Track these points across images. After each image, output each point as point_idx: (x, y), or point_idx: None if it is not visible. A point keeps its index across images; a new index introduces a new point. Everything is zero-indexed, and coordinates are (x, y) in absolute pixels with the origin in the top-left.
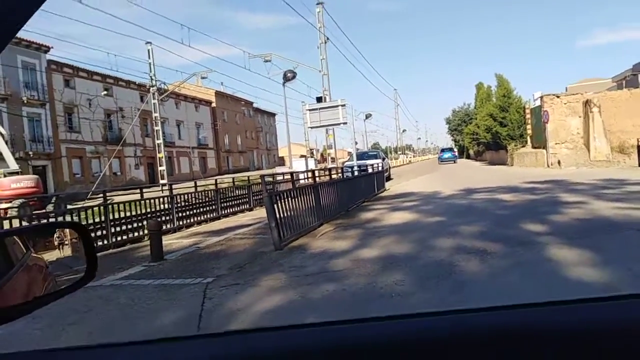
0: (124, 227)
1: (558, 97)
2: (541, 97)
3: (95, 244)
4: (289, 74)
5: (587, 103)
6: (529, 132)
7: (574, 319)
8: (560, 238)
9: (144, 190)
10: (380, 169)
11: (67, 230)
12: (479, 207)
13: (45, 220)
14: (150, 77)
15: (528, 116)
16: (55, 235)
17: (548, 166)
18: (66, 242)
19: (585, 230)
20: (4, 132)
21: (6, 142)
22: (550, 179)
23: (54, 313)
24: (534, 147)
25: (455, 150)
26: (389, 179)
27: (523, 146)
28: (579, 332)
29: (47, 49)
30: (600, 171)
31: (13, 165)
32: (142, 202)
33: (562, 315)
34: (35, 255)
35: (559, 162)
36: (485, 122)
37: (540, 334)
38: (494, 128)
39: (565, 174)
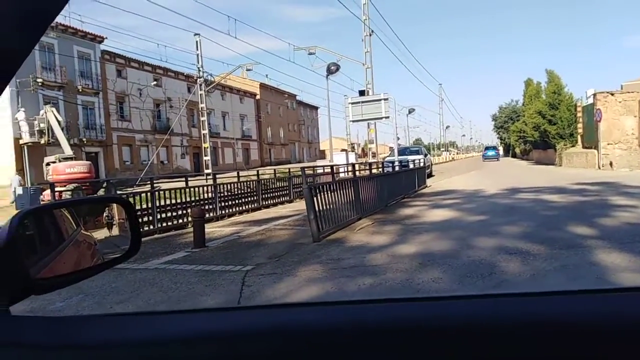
0: (169, 214)
1: (612, 94)
2: (594, 95)
3: (140, 221)
4: (332, 67)
5: None
6: (580, 131)
7: (573, 310)
8: (609, 242)
9: (189, 179)
10: (421, 165)
11: (115, 210)
12: (524, 207)
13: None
14: (198, 68)
15: (579, 114)
16: (104, 215)
17: (599, 167)
18: (114, 222)
19: (636, 234)
20: (60, 118)
21: (62, 129)
22: (601, 180)
23: (103, 292)
24: (584, 147)
25: (500, 148)
26: (430, 175)
27: (573, 146)
28: (577, 323)
29: (101, 40)
30: None
31: (68, 151)
32: (187, 190)
33: (560, 305)
34: (84, 232)
35: (610, 164)
36: (533, 119)
37: (542, 323)
38: (542, 126)
39: (617, 176)
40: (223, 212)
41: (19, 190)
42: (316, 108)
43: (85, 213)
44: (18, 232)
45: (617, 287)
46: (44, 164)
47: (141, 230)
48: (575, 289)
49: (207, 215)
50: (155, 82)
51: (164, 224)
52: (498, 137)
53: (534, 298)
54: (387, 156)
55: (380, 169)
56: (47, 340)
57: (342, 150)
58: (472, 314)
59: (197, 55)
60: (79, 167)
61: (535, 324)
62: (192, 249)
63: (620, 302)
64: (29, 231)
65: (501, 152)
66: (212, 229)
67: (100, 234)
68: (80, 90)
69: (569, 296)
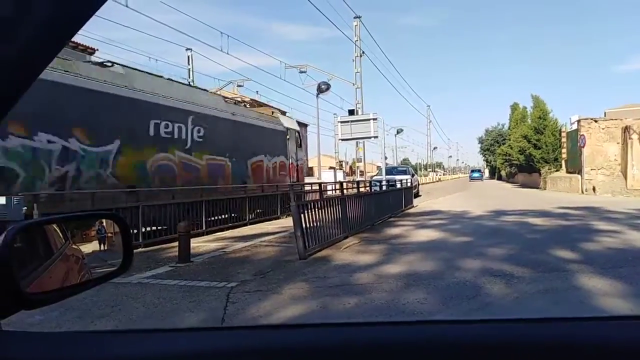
0: (154, 228)
1: (596, 121)
2: (578, 121)
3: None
4: (323, 86)
5: (626, 129)
6: (564, 156)
7: (572, 336)
8: (592, 267)
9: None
10: (408, 184)
11: (105, 225)
12: (508, 230)
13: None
14: (189, 82)
15: (564, 140)
16: (96, 229)
17: (582, 192)
18: (106, 237)
19: (618, 260)
20: None
21: None
22: (584, 205)
23: (84, 306)
24: (568, 172)
25: (483, 171)
26: (417, 195)
27: (557, 170)
28: (575, 348)
29: (92, 51)
30: (638, 200)
31: None
32: (180, 204)
33: (557, 330)
34: (73, 246)
35: (594, 189)
36: (519, 143)
37: (539, 348)
38: (527, 150)
39: (600, 201)
40: (208, 227)
41: (2, 200)
42: (305, 125)
43: (74, 226)
44: (11, 247)
45: (609, 316)
46: None
47: (132, 243)
48: (559, 315)
49: (192, 230)
50: None
51: (149, 238)
52: (484, 159)
53: (521, 324)
54: (375, 175)
55: (368, 188)
56: (39, 357)
57: (331, 167)
58: (460, 338)
59: (189, 69)
60: None
61: (522, 350)
62: (177, 264)
63: (608, 330)
64: (18, 244)
65: (487, 174)
66: (198, 244)
67: (88, 247)
68: None
69: (554, 323)
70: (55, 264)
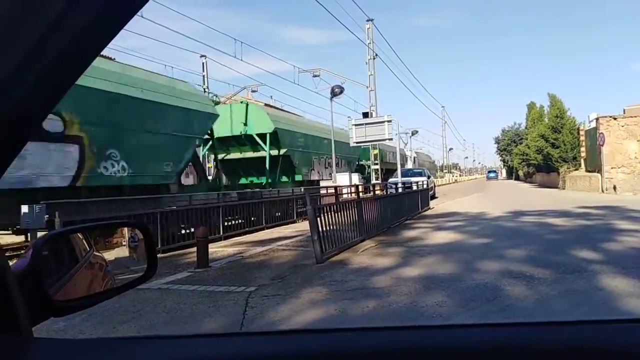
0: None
1: (615, 119)
2: (597, 119)
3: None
4: (336, 89)
5: None
6: (583, 154)
7: (579, 339)
8: (614, 267)
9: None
10: (424, 186)
11: (125, 232)
12: (528, 231)
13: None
14: (204, 89)
15: (582, 138)
16: (128, 237)
17: (602, 191)
18: (124, 243)
19: None
20: None
21: None
22: (604, 204)
23: (106, 312)
24: (587, 171)
25: (499, 171)
26: (433, 197)
27: (576, 169)
28: (585, 353)
29: (110, 60)
30: None
31: None
32: (193, 209)
33: (577, 334)
34: (97, 253)
35: (614, 188)
36: (536, 142)
37: (554, 352)
38: (545, 149)
39: (621, 200)
40: (226, 232)
41: (24, 209)
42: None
43: (97, 234)
44: (41, 255)
45: (625, 318)
46: None
47: (156, 250)
48: (582, 318)
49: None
50: None
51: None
52: (501, 160)
53: (542, 327)
54: (391, 177)
55: (384, 191)
56: None
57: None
58: (479, 342)
59: (203, 76)
60: None
61: (544, 354)
62: (195, 269)
63: (628, 333)
64: (45, 253)
65: (503, 174)
66: (215, 249)
67: (111, 254)
68: None
69: (576, 326)
70: (81, 271)
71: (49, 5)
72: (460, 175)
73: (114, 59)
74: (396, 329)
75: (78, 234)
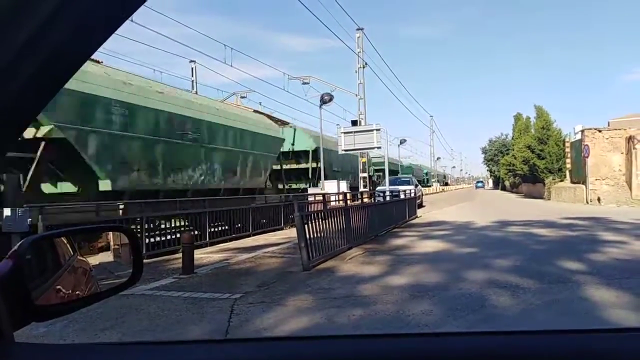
0: (158, 239)
1: (600, 131)
2: (582, 131)
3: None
4: (326, 97)
5: (630, 139)
6: (568, 166)
7: (577, 348)
8: (598, 278)
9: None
10: (412, 195)
11: (110, 237)
12: (514, 241)
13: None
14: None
15: (568, 150)
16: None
17: (587, 202)
18: (114, 247)
19: (624, 270)
20: None
21: None
22: (589, 215)
23: (88, 318)
24: (572, 182)
25: (486, 181)
26: (421, 206)
27: (561, 180)
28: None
29: (98, 63)
30: None
31: None
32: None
33: (562, 343)
34: (80, 258)
35: (598, 199)
36: (522, 153)
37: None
38: (531, 160)
39: (605, 211)
40: (212, 238)
41: (7, 212)
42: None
43: (81, 239)
44: (24, 259)
45: (615, 328)
46: None
47: (142, 255)
48: (565, 328)
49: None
50: None
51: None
52: (488, 170)
53: (526, 336)
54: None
55: (372, 199)
56: None
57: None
58: (465, 350)
59: (193, 81)
60: None
61: None
62: (181, 275)
63: (614, 342)
64: (28, 257)
65: (490, 184)
66: (201, 255)
67: (95, 259)
68: None
69: (561, 335)
70: (64, 276)
71: (44, 2)
72: (446, 185)
73: (102, 62)
74: (383, 336)
75: (62, 238)
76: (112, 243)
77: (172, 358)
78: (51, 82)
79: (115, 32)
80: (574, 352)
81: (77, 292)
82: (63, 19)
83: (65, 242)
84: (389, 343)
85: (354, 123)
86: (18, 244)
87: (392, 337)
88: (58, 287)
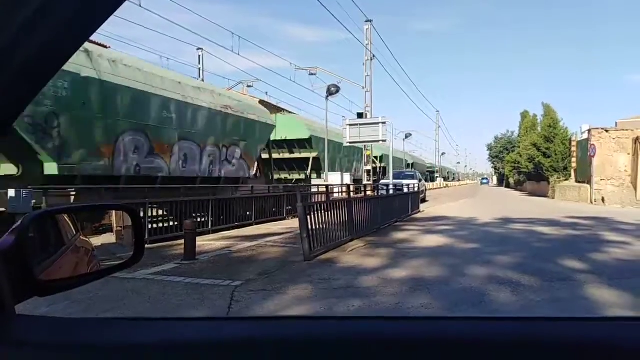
0: (161, 225)
1: (607, 131)
2: (589, 130)
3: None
4: (332, 89)
5: (637, 140)
6: (574, 165)
7: (573, 335)
8: (600, 277)
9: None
10: (415, 189)
11: (113, 218)
12: (516, 238)
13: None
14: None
15: (574, 149)
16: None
17: (591, 202)
18: (117, 228)
19: (627, 271)
20: None
21: None
22: (593, 215)
23: (90, 300)
24: (577, 182)
25: (490, 178)
26: (424, 201)
27: (566, 179)
28: (575, 348)
29: (105, 48)
30: None
31: None
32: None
33: (560, 330)
34: (83, 238)
35: (603, 199)
36: (528, 151)
37: (538, 346)
38: (537, 158)
39: (609, 211)
40: (215, 226)
41: (11, 193)
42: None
43: (85, 219)
44: (27, 234)
45: (612, 317)
46: None
47: (144, 235)
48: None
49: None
50: None
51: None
52: (492, 167)
53: (526, 322)
54: (382, 179)
55: (375, 192)
56: (51, 341)
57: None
58: (464, 335)
59: (199, 69)
60: None
61: (522, 348)
62: (182, 261)
63: (612, 330)
64: (32, 233)
65: (494, 181)
66: (203, 242)
67: (98, 240)
68: None
69: (560, 322)
70: (66, 254)
71: None
72: (450, 180)
73: (109, 47)
74: (381, 319)
75: (65, 216)
76: (114, 224)
77: (172, 334)
78: (42, 73)
79: (122, 18)
80: (569, 339)
81: (79, 271)
82: (52, 11)
83: (69, 221)
84: (383, 325)
85: (360, 115)
86: (20, 220)
87: (386, 319)
88: (60, 265)
